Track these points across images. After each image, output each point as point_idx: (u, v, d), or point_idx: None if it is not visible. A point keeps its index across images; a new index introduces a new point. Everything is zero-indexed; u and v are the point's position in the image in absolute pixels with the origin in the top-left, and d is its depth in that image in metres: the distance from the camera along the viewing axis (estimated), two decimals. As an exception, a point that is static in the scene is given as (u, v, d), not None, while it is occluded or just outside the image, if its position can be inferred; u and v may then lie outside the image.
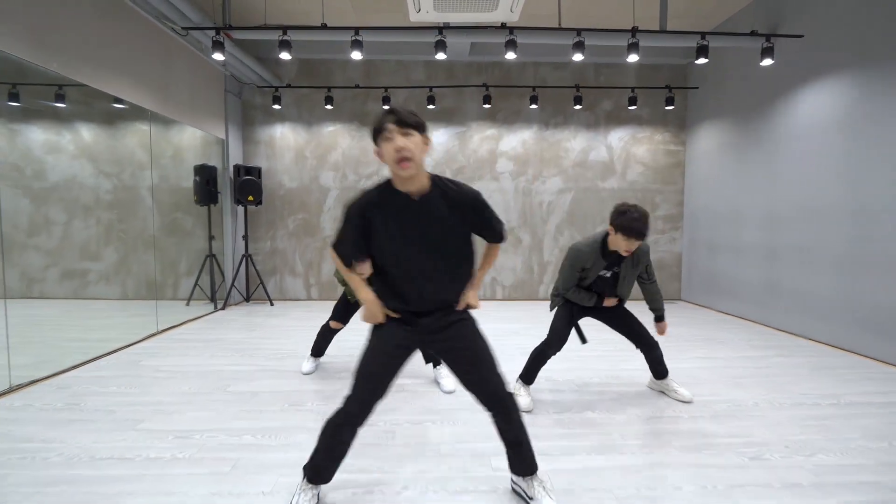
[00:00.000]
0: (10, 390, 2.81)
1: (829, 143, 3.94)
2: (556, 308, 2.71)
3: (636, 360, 3.45)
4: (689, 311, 5.50)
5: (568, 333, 2.63)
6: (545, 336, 2.67)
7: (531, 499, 1.68)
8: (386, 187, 1.55)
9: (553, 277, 6.18)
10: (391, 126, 1.44)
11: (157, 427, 2.33)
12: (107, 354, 3.63)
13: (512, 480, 1.79)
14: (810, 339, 4.12)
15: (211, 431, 2.29)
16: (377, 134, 1.48)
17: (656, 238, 6.20)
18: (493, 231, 1.66)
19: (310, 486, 1.65)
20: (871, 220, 3.55)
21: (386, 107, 1.63)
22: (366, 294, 1.61)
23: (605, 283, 2.56)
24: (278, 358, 3.50)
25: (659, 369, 2.75)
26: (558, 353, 2.67)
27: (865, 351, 3.61)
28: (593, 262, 2.46)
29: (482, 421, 2.44)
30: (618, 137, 6.11)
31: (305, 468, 1.65)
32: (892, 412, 2.56)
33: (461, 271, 1.61)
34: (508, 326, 4.67)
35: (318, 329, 3.25)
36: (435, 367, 3.02)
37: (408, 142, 1.44)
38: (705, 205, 5.71)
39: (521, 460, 1.69)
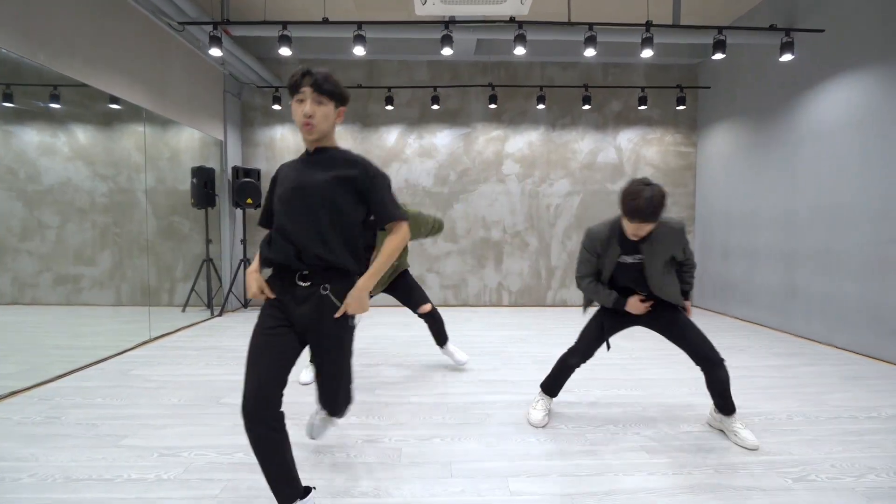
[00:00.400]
0: (-12, 402, 2.62)
1: (851, 141, 3.77)
2: (591, 312, 2.43)
3: (657, 368, 3.26)
4: (704, 317, 5.30)
5: (597, 346, 2.33)
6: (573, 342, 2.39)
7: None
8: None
9: (562, 283, 5.99)
10: (306, 89, 1.46)
11: (142, 444, 2.14)
12: (95, 363, 3.44)
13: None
14: (833, 346, 3.92)
15: (200, 448, 2.09)
16: (291, 91, 1.51)
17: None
18: (385, 213, 1.58)
19: None
20: (901, 221, 3.37)
21: (305, 67, 1.50)
22: (252, 264, 1.62)
23: (629, 272, 2.16)
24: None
25: (723, 402, 2.18)
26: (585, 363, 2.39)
27: (894, 358, 3.42)
28: (608, 244, 2.13)
29: (497, 435, 2.25)
30: (627, 139, 5.94)
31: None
32: (939, 427, 2.36)
33: (339, 239, 1.52)
34: (516, 333, 4.47)
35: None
36: (442, 346, 3.19)
37: (317, 109, 1.47)
38: (718, 208, 5.53)
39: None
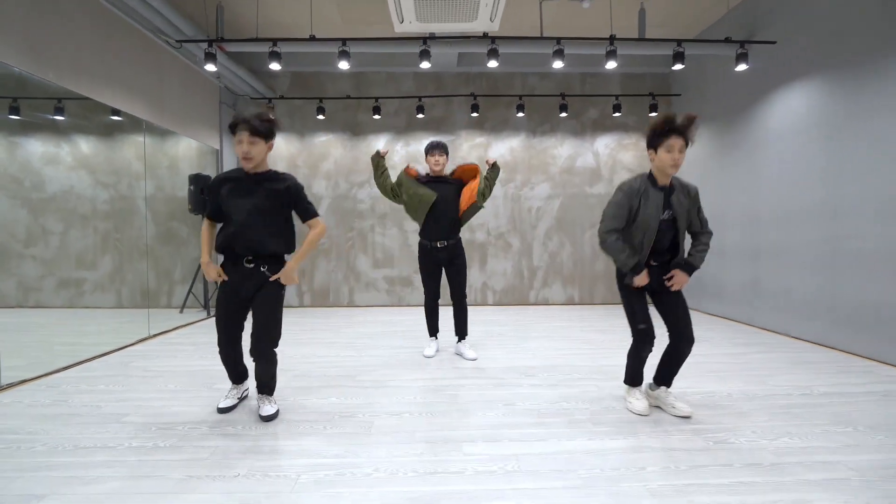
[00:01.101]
0: (0, 389, 2.87)
1: (805, 144, 4.05)
2: (622, 294, 2.41)
3: (617, 357, 3.52)
4: (677, 313, 5.56)
5: (650, 321, 2.33)
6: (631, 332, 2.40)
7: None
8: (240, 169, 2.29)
9: (544, 282, 6.25)
10: (243, 134, 2.13)
11: (141, 420, 2.39)
12: (97, 357, 3.69)
13: None
14: (792, 337, 4.18)
15: (193, 423, 2.35)
16: (232, 129, 2.16)
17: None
18: (306, 213, 2.37)
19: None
20: (848, 218, 3.64)
21: (243, 115, 2.16)
22: (203, 257, 2.32)
23: (664, 233, 2.23)
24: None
25: (669, 375, 2.41)
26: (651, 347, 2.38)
27: (845, 347, 3.67)
28: (645, 194, 2.17)
29: (462, 411, 2.50)
30: (604, 144, 6.24)
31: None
32: (863, 401, 2.62)
33: (273, 235, 2.28)
34: (495, 329, 4.73)
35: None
36: (459, 341, 3.59)
37: (252, 148, 2.15)
38: (691, 209, 5.80)
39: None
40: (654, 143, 2.16)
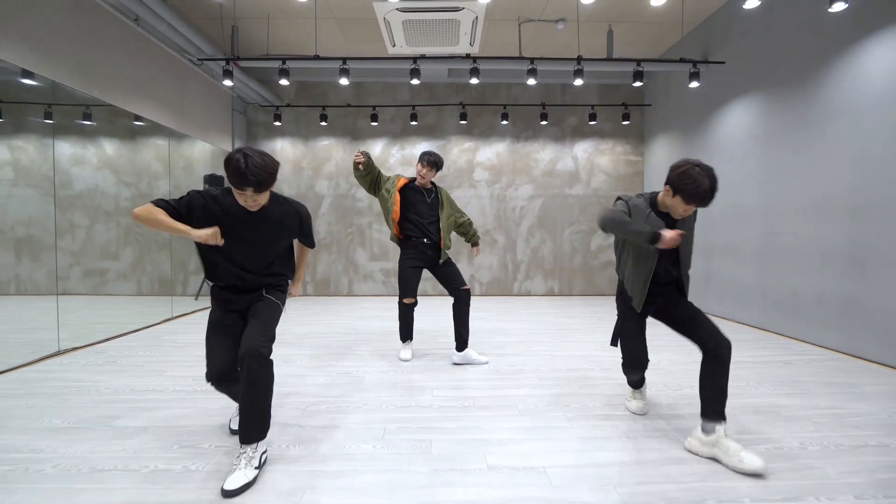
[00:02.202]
0: (59, 353, 3.48)
1: (746, 153, 4.64)
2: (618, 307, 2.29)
3: (576, 335, 4.11)
4: (645, 303, 6.15)
5: (643, 347, 2.21)
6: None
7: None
8: (229, 194, 1.86)
9: (526, 275, 6.84)
10: (249, 191, 1.72)
11: (180, 374, 2.99)
12: (131, 332, 4.30)
13: None
14: (735, 322, 4.76)
15: (221, 377, 2.94)
16: (234, 185, 1.74)
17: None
18: (311, 242, 2.19)
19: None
20: (778, 217, 4.22)
21: (248, 176, 1.67)
22: (187, 229, 1.72)
23: (667, 250, 2.05)
24: (278, 333, 4.15)
25: (715, 396, 1.95)
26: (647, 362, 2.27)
27: (773, 328, 4.25)
28: (646, 218, 2.02)
29: (435, 370, 3.10)
30: (582, 149, 6.82)
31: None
32: (763, 366, 3.20)
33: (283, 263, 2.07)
34: (477, 314, 5.32)
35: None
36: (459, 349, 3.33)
37: (257, 198, 1.77)
38: (659, 209, 6.38)
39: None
40: (676, 190, 1.92)
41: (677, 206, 1.94)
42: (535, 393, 2.68)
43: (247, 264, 1.92)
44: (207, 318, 1.97)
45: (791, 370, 3.12)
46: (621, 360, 2.30)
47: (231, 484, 1.63)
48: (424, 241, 3.30)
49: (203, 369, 2.87)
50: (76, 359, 3.36)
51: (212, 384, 1.91)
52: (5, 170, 4.64)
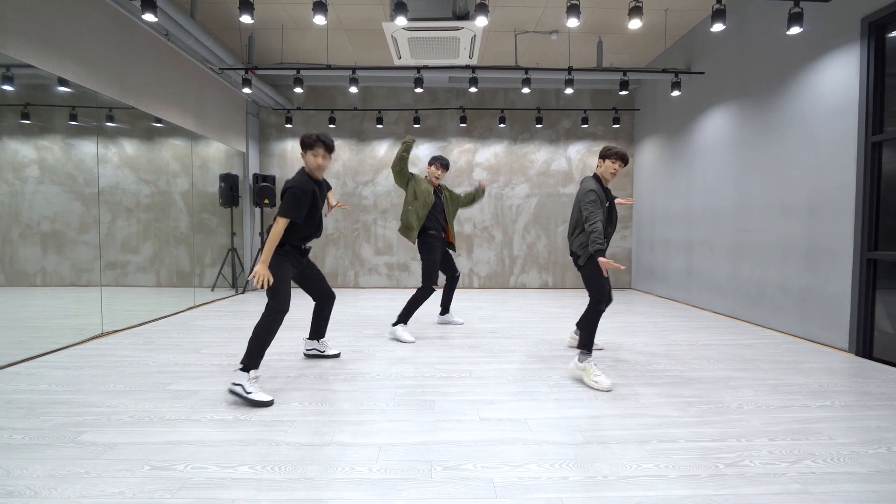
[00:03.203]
0: (102, 335, 3.91)
1: (723, 156, 5.05)
2: (586, 263, 2.89)
3: (568, 320, 4.54)
4: (635, 296, 6.58)
5: (608, 286, 2.93)
6: (589, 300, 2.92)
7: (322, 351, 3.26)
8: (307, 176, 2.69)
9: (522, 269, 7.27)
10: (321, 151, 2.64)
11: (214, 352, 3.42)
12: (159, 319, 4.73)
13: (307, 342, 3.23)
14: (712, 312, 5.20)
15: (250, 354, 3.37)
16: (308, 147, 2.62)
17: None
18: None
19: (253, 373, 2.46)
20: (749, 217, 4.64)
21: (318, 135, 2.67)
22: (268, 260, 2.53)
23: (610, 218, 2.99)
24: (292, 320, 4.57)
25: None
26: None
27: (743, 317, 4.69)
28: (603, 192, 2.84)
29: (437, 349, 3.53)
30: (576, 150, 7.23)
31: (248, 364, 2.45)
32: (726, 349, 3.63)
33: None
34: (475, 305, 5.75)
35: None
36: (442, 314, 4.36)
37: (326, 161, 2.68)
38: (648, 208, 6.81)
39: (322, 329, 3.21)
40: (608, 156, 2.88)
41: (608, 171, 2.90)
42: (523, 367, 3.11)
43: (321, 222, 2.75)
44: (279, 266, 2.59)
45: (749, 351, 3.55)
46: (595, 305, 2.87)
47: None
48: (441, 235, 3.92)
49: (232, 347, 3.31)
50: (119, 340, 3.80)
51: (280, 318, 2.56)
52: (31, 168, 5.05)
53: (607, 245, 2.78)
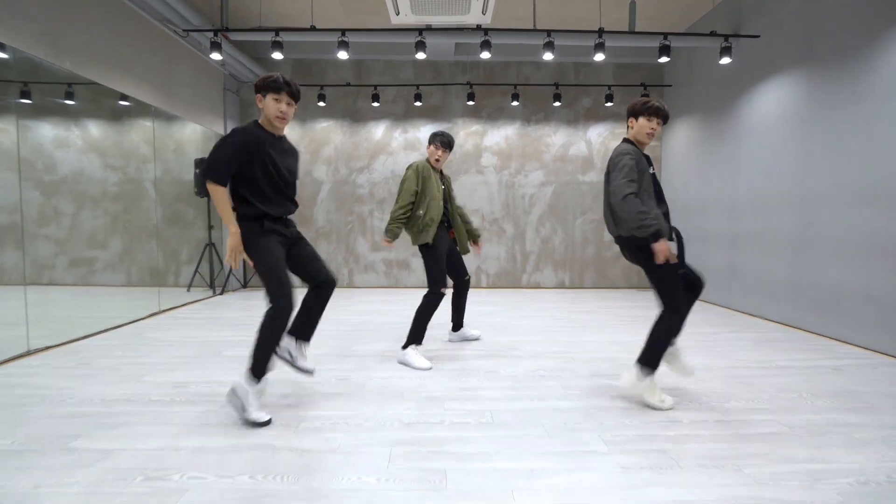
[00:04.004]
0: (28, 353, 3.15)
1: (781, 136, 4.25)
2: (649, 256, 2.18)
3: (595, 333, 3.78)
4: (662, 297, 5.81)
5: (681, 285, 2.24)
6: (661, 309, 2.26)
7: (294, 358, 2.30)
8: (258, 127, 2.14)
9: (536, 266, 6.49)
10: (285, 96, 2.07)
11: (158, 380, 2.66)
12: (113, 328, 3.97)
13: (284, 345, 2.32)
14: (764, 319, 4.43)
15: (205, 383, 2.61)
16: (268, 89, 2.05)
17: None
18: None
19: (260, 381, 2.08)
20: (816, 206, 3.85)
21: (280, 75, 2.10)
22: (234, 227, 2.05)
23: (658, 194, 2.30)
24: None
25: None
26: None
27: (808, 326, 3.92)
28: (640, 157, 2.21)
29: (446, 376, 2.77)
30: (597, 133, 6.42)
31: (255, 372, 2.06)
32: (811, 373, 2.87)
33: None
34: (486, 309, 4.99)
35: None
36: (455, 330, 3.57)
37: (290, 110, 2.10)
38: (679, 197, 6.01)
39: (309, 328, 2.34)
40: (640, 112, 2.25)
41: (643, 132, 2.25)
42: (560, 406, 2.35)
43: (289, 190, 2.20)
44: (264, 250, 2.08)
45: (842, 378, 2.79)
46: (670, 315, 2.23)
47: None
48: (445, 224, 3.18)
49: (183, 373, 2.57)
50: (47, 360, 3.04)
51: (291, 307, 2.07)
52: None
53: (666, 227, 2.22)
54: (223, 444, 1.90)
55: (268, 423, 2.06)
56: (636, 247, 2.24)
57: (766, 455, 1.85)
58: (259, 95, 2.09)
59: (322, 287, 2.31)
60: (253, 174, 2.06)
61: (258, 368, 2.06)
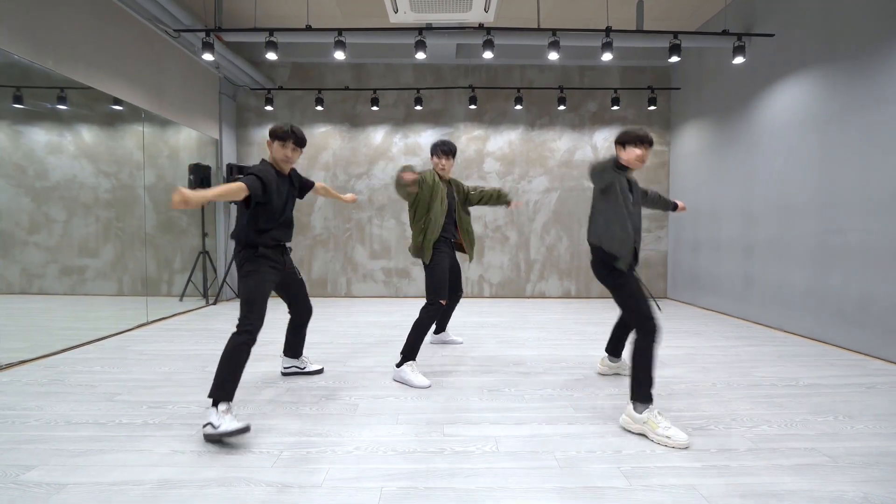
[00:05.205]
0: (0, 368, 2.94)
1: (800, 138, 4.04)
2: (615, 280, 2.25)
3: (602, 347, 3.55)
4: (674, 307, 5.57)
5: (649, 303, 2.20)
6: (635, 326, 2.17)
7: (305, 367, 2.89)
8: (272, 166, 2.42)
9: (540, 275, 6.27)
10: (291, 144, 2.40)
11: (133, 399, 2.45)
12: (96, 341, 3.77)
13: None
14: (783, 331, 4.18)
15: (183, 403, 2.40)
16: (276, 137, 2.37)
17: (642, 237, 6.27)
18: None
19: (226, 406, 2.00)
20: (840, 212, 3.63)
21: (290, 126, 2.39)
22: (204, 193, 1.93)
23: (635, 212, 2.31)
24: (261, 344, 3.60)
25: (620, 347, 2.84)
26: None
27: (833, 340, 3.68)
28: (615, 174, 2.11)
29: (446, 395, 2.54)
30: (603, 138, 6.23)
31: (216, 395, 2.01)
32: (844, 392, 2.64)
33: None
34: (489, 320, 4.76)
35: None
36: (438, 333, 3.68)
37: (295, 155, 2.44)
38: (688, 204, 5.80)
39: (299, 345, 2.83)
40: (628, 141, 2.18)
41: (633, 160, 2.14)
42: (572, 431, 2.12)
43: (287, 221, 2.47)
44: (251, 275, 2.26)
45: (878, 397, 2.55)
46: (644, 337, 2.13)
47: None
48: (452, 239, 3.08)
49: (162, 392, 2.37)
50: (19, 375, 2.83)
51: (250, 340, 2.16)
52: None
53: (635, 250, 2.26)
54: (192, 477, 1.68)
55: (245, 429, 1.93)
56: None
57: (810, 493, 1.61)
58: (269, 141, 2.40)
59: (304, 314, 2.77)
60: (260, 204, 2.31)
61: (218, 392, 2.01)
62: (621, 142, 2.23)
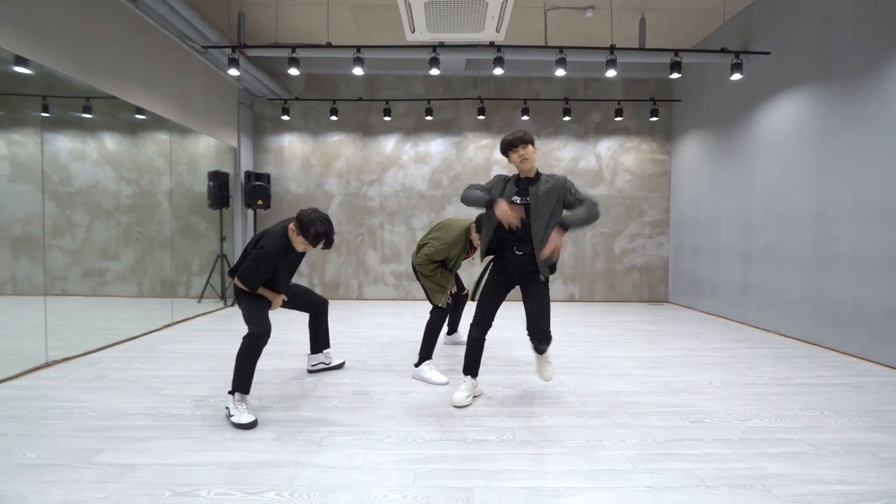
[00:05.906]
0: (47, 365, 3.17)
1: (795, 151, 4.26)
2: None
3: (613, 349, 3.75)
4: (674, 311, 5.78)
5: (491, 312, 2.60)
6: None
7: (329, 362, 3.18)
8: (285, 237, 2.55)
9: (545, 279, 6.47)
10: (311, 246, 2.44)
11: (177, 393, 2.67)
12: (128, 340, 3.99)
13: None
14: (780, 334, 4.39)
15: (223, 397, 2.61)
16: (312, 241, 2.39)
17: (644, 242, 6.50)
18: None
19: (240, 396, 2.29)
20: (833, 222, 3.84)
21: (323, 233, 2.40)
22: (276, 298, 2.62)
23: (536, 216, 2.34)
24: (281, 344, 3.81)
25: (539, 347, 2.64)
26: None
27: (827, 343, 3.88)
28: (503, 185, 2.42)
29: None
30: (606, 147, 6.45)
31: (233, 387, 2.29)
32: (833, 391, 2.84)
33: None
34: (497, 323, 4.96)
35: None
36: (450, 334, 3.91)
37: (310, 248, 2.46)
38: (689, 211, 6.02)
39: (324, 339, 3.11)
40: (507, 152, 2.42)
41: (518, 163, 2.39)
42: (580, 423, 2.33)
43: (285, 279, 2.67)
44: (248, 295, 2.50)
45: (865, 396, 2.76)
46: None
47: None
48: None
49: (202, 387, 2.57)
50: (65, 372, 3.05)
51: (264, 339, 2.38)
52: (2, 165, 4.38)
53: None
54: (246, 459, 1.90)
55: (252, 425, 2.20)
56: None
57: (794, 476, 1.82)
58: (292, 227, 2.43)
59: (319, 307, 3.04)
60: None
61: (238, 384, 2.30)
62: (503, 153, 2.44)
